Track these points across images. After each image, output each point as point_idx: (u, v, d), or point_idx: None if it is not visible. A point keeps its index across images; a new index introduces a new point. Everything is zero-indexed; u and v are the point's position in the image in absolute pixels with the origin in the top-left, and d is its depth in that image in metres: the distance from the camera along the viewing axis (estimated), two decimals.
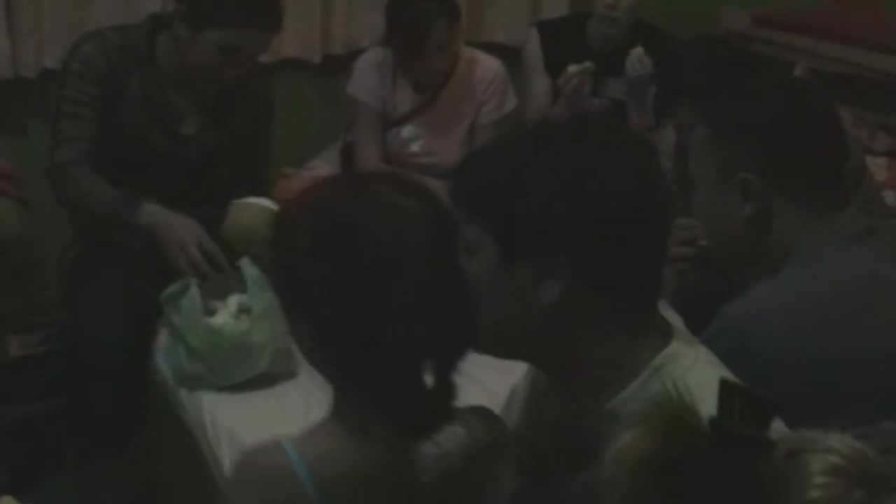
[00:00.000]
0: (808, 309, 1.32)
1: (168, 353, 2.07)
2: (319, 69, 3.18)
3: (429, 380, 1.10)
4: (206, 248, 2.14)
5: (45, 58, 2.78)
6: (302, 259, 1.10)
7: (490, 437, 1.17)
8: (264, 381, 2.03)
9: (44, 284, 2.44)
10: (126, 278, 2.27)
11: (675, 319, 1.24)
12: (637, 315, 1.08)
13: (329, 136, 2.99)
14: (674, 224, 1.52)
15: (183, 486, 2.19)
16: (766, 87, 1.44)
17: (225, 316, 2.01)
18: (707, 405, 0.52)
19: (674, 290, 1.73)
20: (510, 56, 3.04)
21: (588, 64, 2.80)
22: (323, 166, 2.87)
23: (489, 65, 2.86)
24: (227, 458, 1.83)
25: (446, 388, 1.11)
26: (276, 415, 1.92)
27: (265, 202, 2.14)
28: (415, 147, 2.85)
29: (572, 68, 2.81)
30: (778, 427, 0.57)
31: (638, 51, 2.81)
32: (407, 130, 2.84)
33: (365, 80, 2.82)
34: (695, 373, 1.00)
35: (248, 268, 2.05)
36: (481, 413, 1.22)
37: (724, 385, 0.51)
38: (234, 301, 2.03)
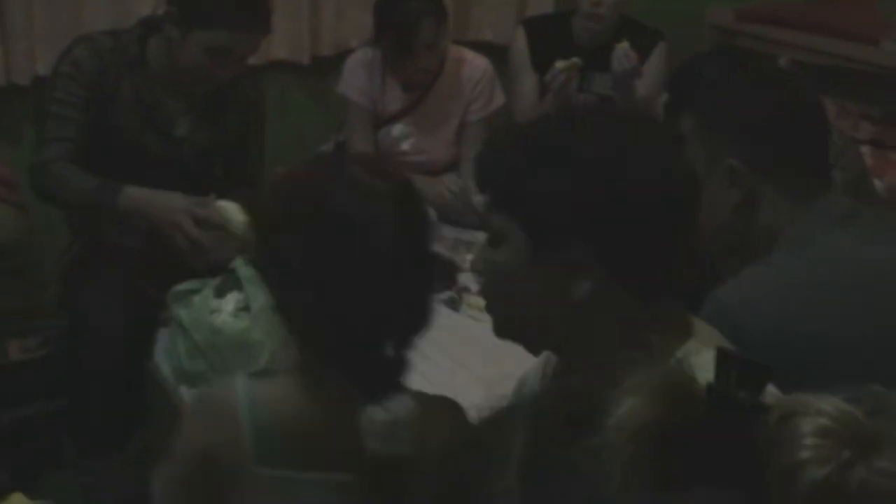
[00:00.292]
0: (796, 292, 1.35)
1: (168, 351, 2.09)
2: (309, 70, 3.20)
3: (387, 349, 1.17)
4: (202, 218, 2.14)
5: (38, 64, 2.79)
6: (275, 232, 1.18)
7: (446, 421, 1.21)
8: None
9: (42, 288, 2.45)
10: (125, 278, 2.29)
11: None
12: (661, 309, 1.08)
13: (320, 136, 3.01)
14: None
15: None
16: (751, 76, 1.48)
17: (224, 314, 2.03)
18: None
19: None
20: (497, 54, 3.06)
21: (575, 60, 2.83)
22: None
23: (477, 63, 2.88)
24: None
25: (401, 359, 1.18)
26: None
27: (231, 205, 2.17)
28: (405, 145, 2.88)
29: (559, 64, 2.84)
30: (773, 393, 0.60)
31: (623, 46, 2.84)
32: (397, 129, 2.86)
33: (355, 79, 2.84)
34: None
35: (243, 268, 2.08)
36: (442, 399, 1.28)
37: (721, 353, 0.54)
38: (232, 299, 2.06)
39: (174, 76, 2.29)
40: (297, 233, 1.15)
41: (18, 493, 1.45)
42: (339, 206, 1.15)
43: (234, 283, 2.09)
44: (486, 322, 2.27)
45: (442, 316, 2.32)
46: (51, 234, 2.48)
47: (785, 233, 1.38)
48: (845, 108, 3.07)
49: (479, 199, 2.68)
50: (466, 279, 2.47)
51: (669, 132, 1.21)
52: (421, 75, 2.79)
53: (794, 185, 1.40)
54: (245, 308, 2.05)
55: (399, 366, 1.18)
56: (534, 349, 1.18)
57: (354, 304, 1.14)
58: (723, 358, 0.53)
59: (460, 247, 2.62)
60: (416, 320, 1.19)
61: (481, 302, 2.40)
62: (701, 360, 1.01)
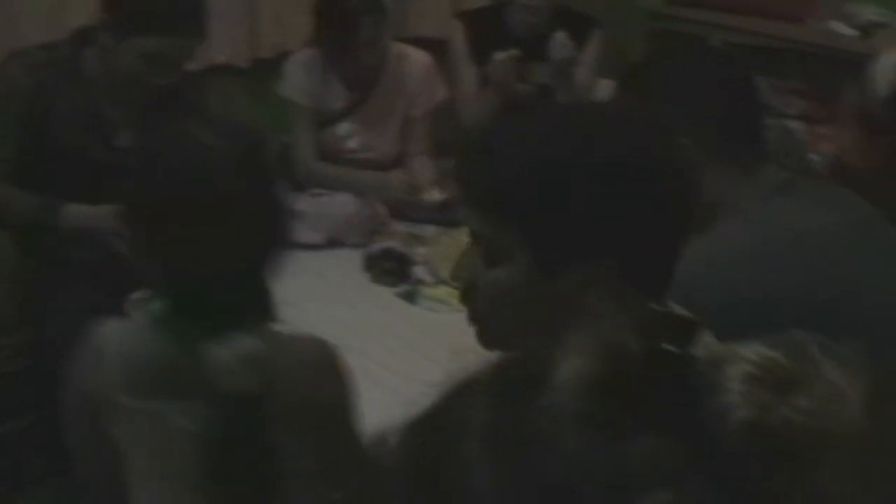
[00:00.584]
0: (741, 262, 1.40)
1: None
2: (249, 73, 3.21)
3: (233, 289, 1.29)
4: None
5: None
6: (127, 185, 1.36)
7: (310, 357, 1.34)
8: None
9: None
10: (90, 292, 2.28)
11: None
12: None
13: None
14: None
15: None
16: (687, 56, 1.53)
17: None
18: None
19: None
20: (436, 49, 3.10)
21: (513, 51, 2.88)
22: None
23: (418, 58, 2.91)
24: None
25: (250, 299, 1.29)
26: None
27: None
28: (351, 143, 2.90)
29: (498, 56, 2.88)
30: (709, 343, 0.64)
31: (560, 35, 2.90)
32: (342, 128, 2.89)
33: (297, 80, 2.85)
34: None
35: None
36: (308, 337, 1.41)
37: (652, 312, 0.58)
38: None
39: (112, 85, 2.28)
40: (136, 183, 1.33)
41: None
42: (178, 160, 1.31)
43: None
44: (446, 314, 2.33)
45: (400, 310, 2.37)
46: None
47: (727, 206, 1.44)
48: (776, 85, 3.15)
49: (434, 195, 2.72)
50: (421, 272, 2.50)
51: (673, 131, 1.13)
52: (363, 73, 2.82)
53: (734, 160, 1.46)
54: None
55: (248, 305, 1.29)
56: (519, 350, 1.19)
57: (197, 249, 1.26)
58: (654, 315, 0.58)
59: (413, 240, 2.65)
60: (260, 264, 1.31)
61: (439, 293, 2.46)
62: None
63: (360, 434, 1.41)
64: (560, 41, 2.88)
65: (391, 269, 2.49)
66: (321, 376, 1.33)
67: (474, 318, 1.12)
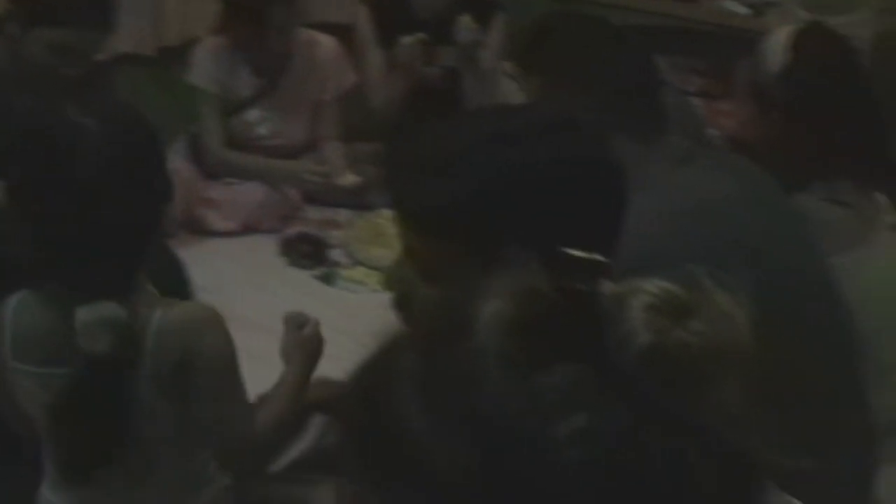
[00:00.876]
0: (642, 231, 1.47)
1: None
2: (155, 62, 3.18)
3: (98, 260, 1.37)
4: None
5: None
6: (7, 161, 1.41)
7: (187, 320, 1.42)
8: None
9: None
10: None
11: None
12: None
13: (175, 126, 3.00)
14: None
15: None
16: (586, 35, 1.61)
17: None
18: None
19: None
20: (343, 34, 3.12)
21: (420, 35, 2.92)
22: (174, 160, 2.88)
23: (326, 44, 2.93)
24: None
25: (117, 267, 1.37)
26: None
27: None
28: (261, 130, 2.90)
29: (405, 40, 2.92)
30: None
31: (465, 18, 2.94)
32: (252, 114, 2.88)
33: (204, 67, 2.84)
34: None
35: None
36: (190, 304, 1.56)
37: (559, 255, 0.64)
38: None
39: (21, 76, 2.26)
40: (17, 162, 1.39)
41: None
42: (48, 136, 1.38)
43: None
44: (363, 294, 2.37)
45: (318, 292, 2.41)
46: None
47: (630, 177, 1.51)
48: (674, 63, 3.26)
49: (348, 179, 2.75)
50: (337, 255, 2.54)
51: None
52: (272, 60, 2.83)
53: (636, 134, 1.53)
54: None
55: (114, 273, 1.37)
56: None
57: (63, 222, 1.34)
58: (564, 258, 0.63)
59: (327, 224, 2.68)
60: (126, 237, 1.38)
61: (356, 274, 2.50)
62: None
63: (242, 392, 1.50)
64: (465, 24, 2.93)
65: (307, 253, 2.53)
66: (197, 337, 1.41)
67: (407, 321, 1.09)
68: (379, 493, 0.63)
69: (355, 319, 2.13)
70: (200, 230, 2.60)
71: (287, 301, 2.32)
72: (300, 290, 2.40)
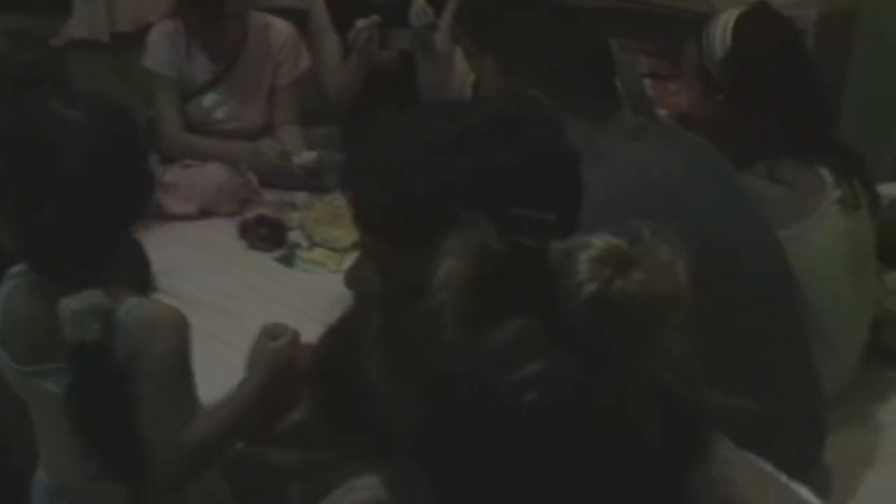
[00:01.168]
0: (594, 205, 1.52)
1: None
2: (109, 48, 3.17)
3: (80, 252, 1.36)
4: None
5: None
6: None
7: (147, 316, 1.40)
8: None
9: None
10: None
11: None
12: None
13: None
14: None
15: None
16: (540, 16, 1.65)
17: None
18: None
19: None
20: (298, 18, 3.13)
21: (374, 17, 2.94)
22: None
23: (281, 28, 2.95)
24: None
25: (97, 258, 1.37)
26: None
27: None
28: (218, 114, 2.91)
29: (360, 24, 2.94)
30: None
31: (419, 2, 2.97)
32: (208, 99, 2.90)
33: (160, 52, 2.84)
34: None
35: None
36: (154, 301, 1.56)
37: (510, 214, 0.68)
38: None
39: None
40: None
41: None
42: (30, 133, 1.36)
43: None
44: (321, 275, 2.39)
45: (278, 273, 2.43)
46: None
47: (582, 152, 1.55)
48: (624, 44, 3.31)
49: (306, 157, 2.77)
50: (296, 236, 2.56)
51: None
52: (227, 44, 2.83)
53: (587, 111, 1.57)
54: None
55: (94, 263, 1.37)
56: None
57: (47, 214, 1.33)
58: (514, 216, 0.67)
59: (285, 207, 2.71)
60: (108, 227, 1.38)
61: (315, 256, 2.52)
62: None
63: (178, 402, 1.45)
64: (419, 7, 2.95)
65: (266, 235, 2.55)
66: (149, 338, 1.39)
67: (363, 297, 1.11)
68: (345, 459, 0.66)
69: (314, 300, 2.17)
70: (158, 214, 2.61)
71: (246, 284, 2.35)
72: (260, 273, 2.43)
